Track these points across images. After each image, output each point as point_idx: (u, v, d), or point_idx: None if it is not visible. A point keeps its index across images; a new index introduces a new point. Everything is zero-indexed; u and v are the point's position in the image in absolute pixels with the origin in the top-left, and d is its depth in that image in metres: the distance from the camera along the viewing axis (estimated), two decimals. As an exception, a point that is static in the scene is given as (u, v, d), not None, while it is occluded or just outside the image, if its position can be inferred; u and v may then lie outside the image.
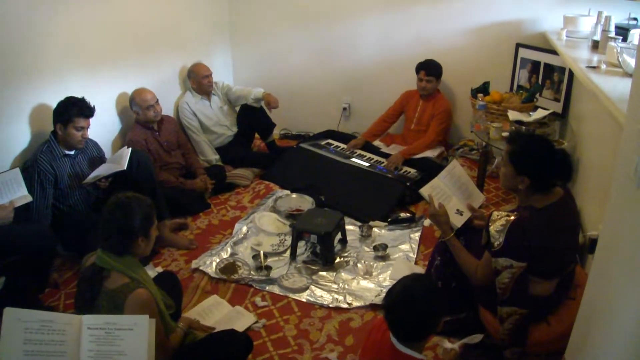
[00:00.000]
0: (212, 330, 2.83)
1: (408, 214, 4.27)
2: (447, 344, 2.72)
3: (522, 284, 2.53)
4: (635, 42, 3.59)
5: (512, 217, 2.53)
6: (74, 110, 3.50)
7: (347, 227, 4.04)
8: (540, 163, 2.52)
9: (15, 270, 2.99)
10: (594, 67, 3.27)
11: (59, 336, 2.07)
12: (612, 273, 1.88)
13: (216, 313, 3.23)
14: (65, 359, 2.07)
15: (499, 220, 2.54)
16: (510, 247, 2.47)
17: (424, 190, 3.07)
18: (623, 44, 3.44)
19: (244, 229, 4.15)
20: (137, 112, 4.36)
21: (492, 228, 2.54)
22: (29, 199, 3.19)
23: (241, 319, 3.16)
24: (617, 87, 2.72)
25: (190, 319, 2.76)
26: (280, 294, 3.44)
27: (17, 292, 3.02)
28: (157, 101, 4.43)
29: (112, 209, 2.36)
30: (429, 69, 5.01)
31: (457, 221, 2.99)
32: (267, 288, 3.49)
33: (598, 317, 1.99)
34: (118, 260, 2.32)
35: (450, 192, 3.12)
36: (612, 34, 3.75)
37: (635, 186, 1.65)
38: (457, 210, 3.05)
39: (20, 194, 3.14)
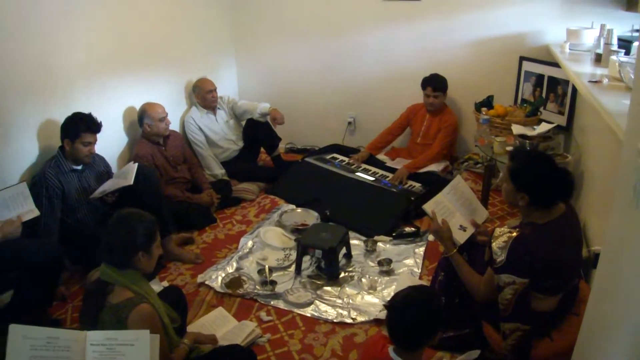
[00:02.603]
0: (216, 342, 2.86)
1: (413, 229, 4.27)
2: (445, 361, 2.74)
3: (524, 300, 2.53)
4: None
5: (514, 234, 2.53)
6: (82, 125, 3.55)
7: (352, 241, 4.05)
8: (539, 181, 2.53)
9: (23, 283, 3.02)
10: (596, 82, 3.28)
11: (64, 352, 2.08)
12: (613, 291, 1.88)
13: (221, 327, 3.24)
14: None
15: (501, 237, 2.55)
16: (512, 264, 2.48)
17: (427, 207, 3.08)
18: (625, 58, 3.44)
19: (250, 243, 4.17)
20: (149, 125, 4.39)
21: (495, 244, 2.55)
22: (37, 213, 3.21)
23: (244, 330, 3.17)
24: (618, 102, 2.73)
25: (196, 334, 2.78)
26: (285, 308, 3.45)
27: (24, 305, 3.05)
28: (167, 114, 4.48)
29: (115, 224, 2.41)
30: (436, 84, 5.01)
31: (460, 237, 2.99)
32: (272, 303, 3.50)
33: (599, 334, 1.99)
34: (121, 274, 2.36)
35: (454, 207, 3.13)
36: (615, 47, 3.76)
37: (635, 207, 1.65)
38: (460, 226, 3.05)
39: (28, 208, 3.17)
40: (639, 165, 1.60)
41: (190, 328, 3.16)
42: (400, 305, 2.22)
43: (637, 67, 1.94)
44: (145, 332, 2.11)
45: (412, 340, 2.23)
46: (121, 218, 2.42)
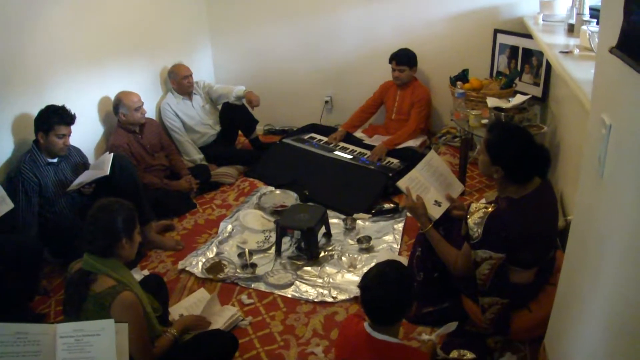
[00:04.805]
0: (207, 324, 2.89)
1: (392, 205, 4.28)
2: (424, 336, 2.76)
3: (501, 274, 2.56)
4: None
5: (490, 209, 2.55)
6: (55, 118, 3.51)
7: (332, 220, 4.06)
8: (515, 156, 2.54)
9: (4, 279, 3.00)
10: (567, 52, 3.29)
11: (34, 347, 2.07)
12: (584, 259, 1.91)
13: (206, 311, 3.23)
14: None
15: (477, 213, 2.56)
16: (488, 239, 2.50)
17: (401, 183, 3.08)
18: (596, 28, 3.44)
19: (229, 227, 4.17)
20: (124, 114, 4.35)
21: (470, 220, 2.56)
22: (11, 205, 3.14)
23: (224, 313, 3.18)
24: (587, 72, 2.73)
25: (185, 321, 2.77)
26: (266, 290, 3.46)
27: (7, 301, 3.03)
28: (143, 104, 4.45)
29: (96, 213, 2.41)
30: (400, 58, 5.03)
31: (435, 212, 3.01)
32: (252, 285, 3.51)
33: (572, 302, 2.02)
34: (104, 264, 2.35)
35: (428, 183, 3.13)
36: (587, 17, 3.76)
37: (599, 175, 1.67)
38: (436, 201, 3.06)
39: None
40: (603, 135, 1.62)
41: (173, 310, 3.18)
42: (373, 284, 2.22)
43: (600, 38, 1.95)
44: (110, 321, 2.11)
45: (388, 317, 2.24)
46: (101, 207, 2.42)
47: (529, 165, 2.55)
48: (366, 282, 2.26)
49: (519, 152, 2.55)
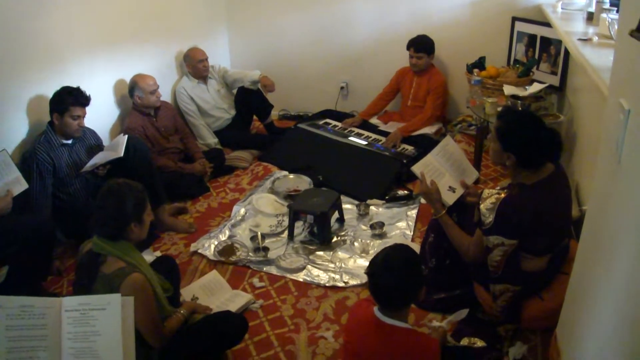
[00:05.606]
0: (210, 311, 2.88)
1: (405, 192, 4.27)
2: (435, 323, 2.75)
3: (513, 261, 2.55)
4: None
5: (503, 195, 2.53)
6: (70, 99, 3.52)
7: (345, 206, 4.06)
8: (526, 141, 2.52)
9: (18, 259, 3.02)
10: (586, 40, 3.25)
11: (39, 320, 2.09)
12: (598, 249, 1.89)
13: (216, 293, 3.27)
14: (47, 342, 2.09)
15: (490, 199, 2.55)
16: (500, 225, 2.49)
17: (416, 168, 3.06)
18: (616, 15, 3.41)
19: (242, 211, 4.17)
20: (140, 97, 4.36)
21: (483, 206, 2.55)
22: (25, 185, 3.18)
23: (238, 299, 3.20)
24: (606, 60, 2.70)
25: (193, 304, 2.79)
26: (278, 274, 3.47)
27: (20, 280, 3.05)
28: (158, 87, 4.46)
29: (105, 196, 2.40)
30: (418, 45, 4.99)
31: (449, 198, 2.99)
32: (264, 269, 3.51)
33: (585, 291, 2.00)
34: (113, 246, 2.35)
35: (443, 168, 3.11)
36: (607, 5, 3.71)
37: (616, 162, 1.65)
38: (450, 187, 3.04)
39: (13, 176, 3.11)
40: (621, 121, 1.60)
41: (185, 291, 3.20)
42: (380, 269, 2.19)
43: (620, 22, 1.92)
44: (116, 295, 2.12)
45: (395, 302, 2.22)
46: (110, 189, 2.41)
47: (541, 150, 2.53)
48: (373, 268, 2.23)
49: (529, 137, 2.53)
